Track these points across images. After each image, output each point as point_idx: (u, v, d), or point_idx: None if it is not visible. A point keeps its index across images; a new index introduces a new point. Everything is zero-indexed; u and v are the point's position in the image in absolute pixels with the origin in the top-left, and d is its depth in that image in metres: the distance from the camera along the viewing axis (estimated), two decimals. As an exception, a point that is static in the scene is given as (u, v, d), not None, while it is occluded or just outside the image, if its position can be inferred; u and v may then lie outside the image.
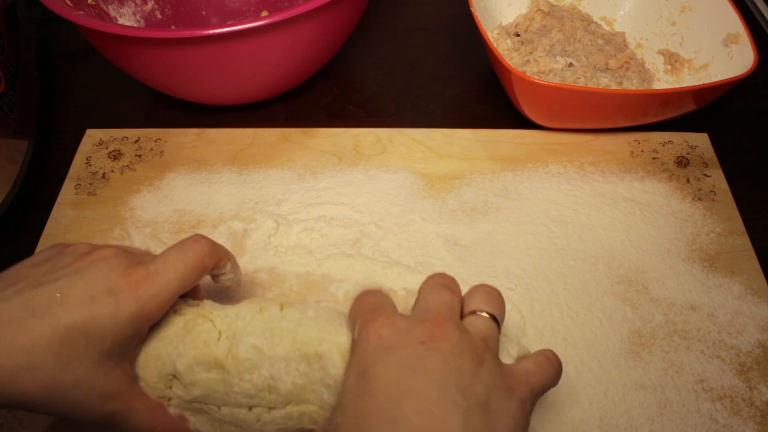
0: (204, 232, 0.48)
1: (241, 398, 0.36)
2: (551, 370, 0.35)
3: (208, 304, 0.38)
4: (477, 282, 0.39)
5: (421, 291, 0.36)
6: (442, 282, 0.36)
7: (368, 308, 0.34)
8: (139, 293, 0.32)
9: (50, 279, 0.32)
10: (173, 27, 0.68)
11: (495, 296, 0.36)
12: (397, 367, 0.30)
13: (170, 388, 0.36)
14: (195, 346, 0.35)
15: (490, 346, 0.33)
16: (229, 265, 0.39)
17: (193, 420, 0.37)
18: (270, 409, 0.36)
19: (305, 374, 0.35)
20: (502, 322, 0.36)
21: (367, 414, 0.29)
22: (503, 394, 0.31)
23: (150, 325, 0.34)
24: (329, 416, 0.33)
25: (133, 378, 0.35)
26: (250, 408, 0.36)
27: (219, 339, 0.36)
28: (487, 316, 0.34)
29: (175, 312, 0.37)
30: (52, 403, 0.31)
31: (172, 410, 0.36)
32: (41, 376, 0.30)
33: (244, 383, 0.35)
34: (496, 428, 0.30)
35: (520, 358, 0.36)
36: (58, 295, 0.31)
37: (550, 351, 0.36)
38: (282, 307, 0.37)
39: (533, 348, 0.46)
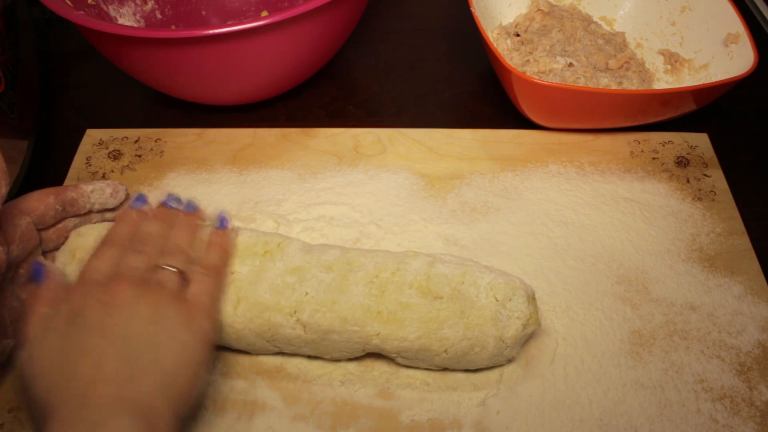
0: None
1: None
2: (214, 276, 0.42)
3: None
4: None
5: (122, 252, 0.41)
6: (136, 248, 0.41)
7: (83, 274, 0.40)
8: None
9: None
10: (173, 27, 0.68)
11: (179, 249, 0.42)
12: (81, 330, 0.36)
13: None
14: None
15: (168, 286, 0.39)
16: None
17: None
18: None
19: None
20: (190, 266, 0.41)
21: (54, 368, 0.35)
22: (179, 328, 0.38)
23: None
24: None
25: None
26: None
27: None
28: (170, 269, 0.40)
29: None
30: None
31: None
32: None
33: None
34: (163, 361, 0.36)
35: (188, 286, 0.41)
36: None
37: (204, 264, 0.42)
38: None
39: (531, 347, 0.46)
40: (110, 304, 0.37)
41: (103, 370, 0.35)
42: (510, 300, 0.42)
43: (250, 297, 0.42)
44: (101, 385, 0.34)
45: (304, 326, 0.42)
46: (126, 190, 0.48)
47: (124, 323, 0.37)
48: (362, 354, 0.43)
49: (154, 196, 0.55)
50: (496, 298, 0.42)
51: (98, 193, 0.46)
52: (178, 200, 0.46)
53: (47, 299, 0.39)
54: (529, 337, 0.44)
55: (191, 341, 0.38)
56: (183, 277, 0.41)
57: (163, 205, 0.45)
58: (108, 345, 0.36)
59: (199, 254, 0.43)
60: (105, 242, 0.42)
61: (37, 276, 0.40)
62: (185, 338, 0.38)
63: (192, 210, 0.45)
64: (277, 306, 0.42)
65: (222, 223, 0.45)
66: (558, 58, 0.60)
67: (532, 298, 0.43)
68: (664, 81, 0.63)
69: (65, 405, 0.34)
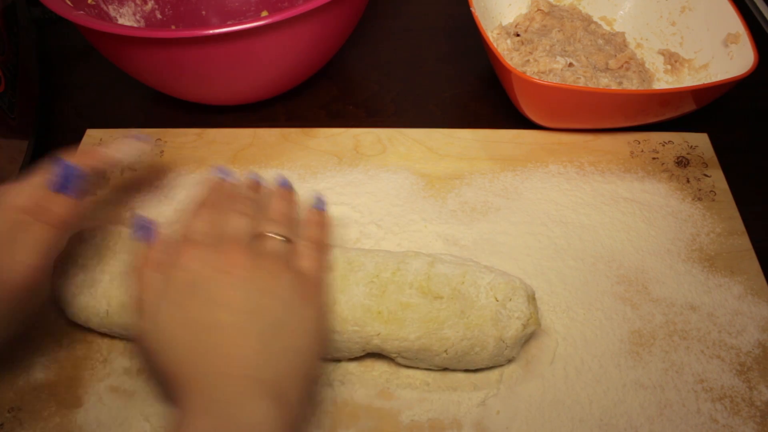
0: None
1: None
2: (321, 252, 0.41)
3: None
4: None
5: (222, 217, 0.39)
6: (239, 209, 0.40)
7: (186, 232, 0.38)
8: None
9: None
10: (173, 27, 0.68)
11: (284, 216, 0.41)
12: (204, 302, 0.35)
13: None
14: None
15: (282, 258, 0.38)
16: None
17: None
18: None
19: None
20: (295, 238, 0.40)
21: (183, 341, 0.35)
22: (300, 303, 0.37)
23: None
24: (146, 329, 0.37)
25: None
26: None
27: None
28: (277, 238, 0.39)
29: None
30: None
31: None
32: None
33: None
34: (292, 340, 0.35)
35: (297, 259, 0.40)
36: None
37: (309, 237, 0.41)
38: None
39: (532, 347, 0.46)
40: (228, 275, 0.35)
41: (236, 348, 0.34)
42: (510, 300, 0.42)
43: None
44: (236, 365, 0.33)
45: None
46: (150, 141, 0.46)
47: (247, 298, 0.35)
48: (362, 354, 0.43)
49: (155, 196, 0.55)
50: (496, 298, 0.42)
51: (127, 156, 0.44)
52: (260, 178, 0.44)
53: (156, 261, 0.37)
54: (529, 337, 0.44)
55: (314, 317, 0.37)
56: (291, 247, 0.39)
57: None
58: (237, 321, 0.34)
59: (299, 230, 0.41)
60: (199, 203, 0.40)
61: (145, 234, 0.39)
62: (308, 314, 0.37)
63: (285, 185, 0.43)
64: None
65: (319, 203, 0.43)
66: (558, 58, 0.60)
67: (532, 299, 0.43)
68: (664, 81, 0.63)
69: (200, 382, 0.33)
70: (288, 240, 0.39)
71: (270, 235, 0.39)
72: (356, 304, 0.41)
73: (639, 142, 0.59)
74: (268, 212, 0.41)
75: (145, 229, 0.40)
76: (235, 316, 0.34)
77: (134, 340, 0.37)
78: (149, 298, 0.37)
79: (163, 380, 0.35)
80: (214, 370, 0.33)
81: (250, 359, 0.33)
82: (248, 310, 0.35)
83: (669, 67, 0.63)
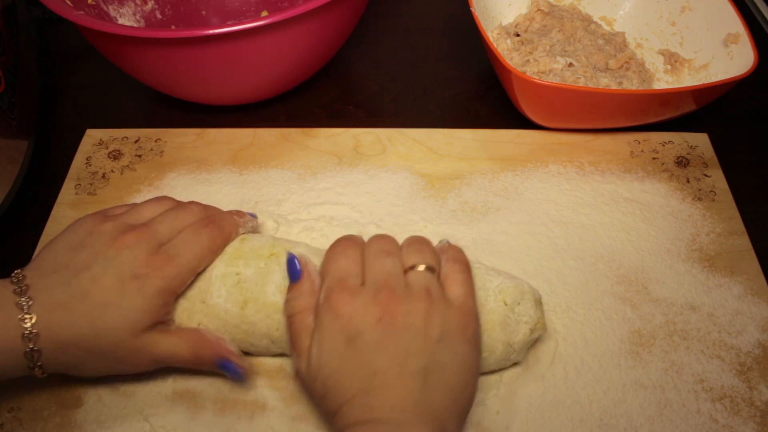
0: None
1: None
2: (468, 274, 0.40)
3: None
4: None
5: (366, 258, 0.40)
6: (382, 248, 0.40)
7: (336, 275, 0.39)
8: (164, 274, 0.39)
9: (86, 266, 0.38)
10: (173, 27, 0.68)
11: (425, 247, 0.41)
12: (365, 349, 0.36)
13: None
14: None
15: (434, 293, 0.38)
16: (240, 230, 0.45)
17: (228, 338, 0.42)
18: None
19: None
20: (439, 266, 0.40)
21: (346, 386, 0.36)
22: (456, 341, 0.37)
23: (174, 296, 0.41)
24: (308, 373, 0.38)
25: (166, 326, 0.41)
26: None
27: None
28: (423, 269, 0.39)
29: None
30: (97, 362, 0.39)
31: (208, 335, 0.41)
32: (84, 344, 0.38)
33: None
34: (450, 378, 0.36)
35: (446, 287, 0.39)
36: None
37: (453, 259, 0.41)
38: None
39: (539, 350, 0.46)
40: (388, 325, 0.36)
41: (397, 390, 0.35)
42: (518, 304, 0.42)
43: (259, 298, 0.42)
44: (398, 404, 0.35)
45: None
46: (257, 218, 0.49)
47: (405, 343, 0.36)
48: None
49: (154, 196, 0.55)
50: (504, 302, 0.42)
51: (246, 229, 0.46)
52: None
53: (309, 305, 0.39)
54: (535, 341, 0.44)
55: (470, 353, 0.38)
56: (437, 276, 0.40)
57: None
58: (396, 366, 0.36)
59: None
60: (342, 243, 0.41)
61: (293, 275, 0.40)
62: (464, 351, 0.37)
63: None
64: None
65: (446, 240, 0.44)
66: (558, 58, 0.60)
67: (538, 302, 0.43)
68: (664, 81, 0.63)
69: (365, 418, 0.35)
70: (433, 269, 0.39)
71: (417, 268, 0.39)
72: None
73: (639, 142, 0.59)
74: (410, 245, 0.41)
75: (293, 270, 0.41)
76: (394, 361, 0.36)
77: (297, 378, 0.40)
78: (307, 343, 0.38)
79: (328, 415, 0.37)
80: (378, 408, 0.35)
81: (412, 397, 0.35)
82: (407, 354, 0.36)
83: (669, 67, 0.63)
